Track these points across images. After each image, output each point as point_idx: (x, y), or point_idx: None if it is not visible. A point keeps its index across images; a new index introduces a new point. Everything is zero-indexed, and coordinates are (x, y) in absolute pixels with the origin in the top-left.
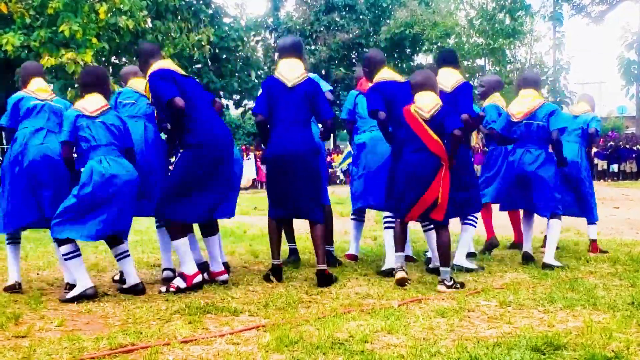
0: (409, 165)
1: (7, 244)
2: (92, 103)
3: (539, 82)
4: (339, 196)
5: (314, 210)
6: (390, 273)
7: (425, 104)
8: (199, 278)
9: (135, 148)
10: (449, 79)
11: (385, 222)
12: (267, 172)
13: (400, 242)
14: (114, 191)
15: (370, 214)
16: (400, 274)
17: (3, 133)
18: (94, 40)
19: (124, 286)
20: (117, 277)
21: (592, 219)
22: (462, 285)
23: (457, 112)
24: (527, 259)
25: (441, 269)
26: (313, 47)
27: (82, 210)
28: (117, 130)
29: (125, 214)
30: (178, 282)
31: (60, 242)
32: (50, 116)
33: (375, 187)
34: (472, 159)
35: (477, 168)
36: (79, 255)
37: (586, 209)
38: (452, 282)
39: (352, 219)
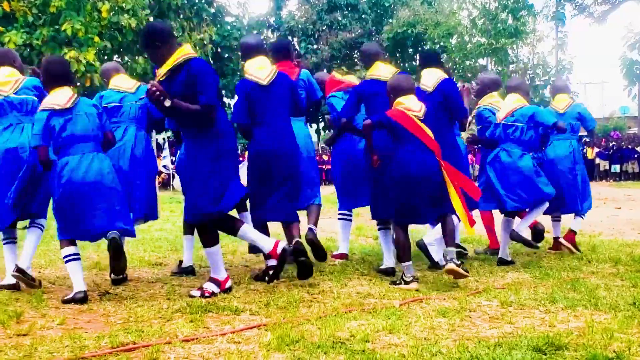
0: (411, 167)
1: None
2: (62, 96)
3: (520, 86)
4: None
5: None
6: (387, 272)
7: (415, 104)
8: (230, 283)
9: (122, 156)
10: (429, 79)
11: (378, 223)
12: (253, 172)
13: (407, 249)
14: (76, 194)
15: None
16: (414, 285)
17: None
18: (96, 39)
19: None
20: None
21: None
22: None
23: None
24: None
25: (448, 249)
26: (315, 47)
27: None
28: (93, 119)
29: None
30: (212, 288)
31: (61, 244)
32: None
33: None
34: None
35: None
36: (78, 259)
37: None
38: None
39: (339, 219)
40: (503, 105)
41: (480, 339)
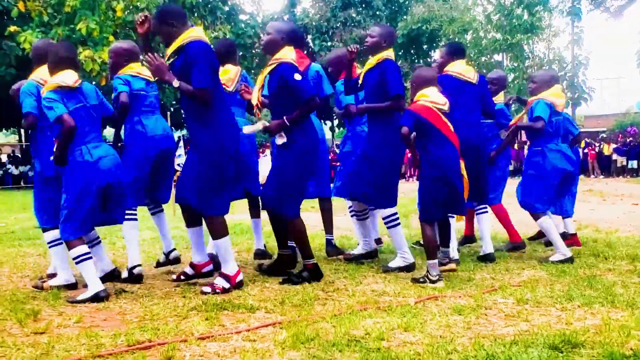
0: (445, 163)
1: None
2: (70, 76)
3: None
4: None
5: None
6: (404, 268)
7: (439, 97)
8: (240, 277)
9: (159, 145)
10: (470, 70)
11: (386, 222)
12: (304, 165)
13: (435, 247)
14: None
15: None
16: (441, 284)
17: None
18: (111, 38)
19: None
20: (124, 275)
21: None
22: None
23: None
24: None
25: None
26: (329, 44)
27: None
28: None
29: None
30: (222, 283)
31: (70, 244)
32: None
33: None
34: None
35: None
36: (90, 257)
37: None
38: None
39: (351, 215)
40: (556, 95)
41: (496, 336)
